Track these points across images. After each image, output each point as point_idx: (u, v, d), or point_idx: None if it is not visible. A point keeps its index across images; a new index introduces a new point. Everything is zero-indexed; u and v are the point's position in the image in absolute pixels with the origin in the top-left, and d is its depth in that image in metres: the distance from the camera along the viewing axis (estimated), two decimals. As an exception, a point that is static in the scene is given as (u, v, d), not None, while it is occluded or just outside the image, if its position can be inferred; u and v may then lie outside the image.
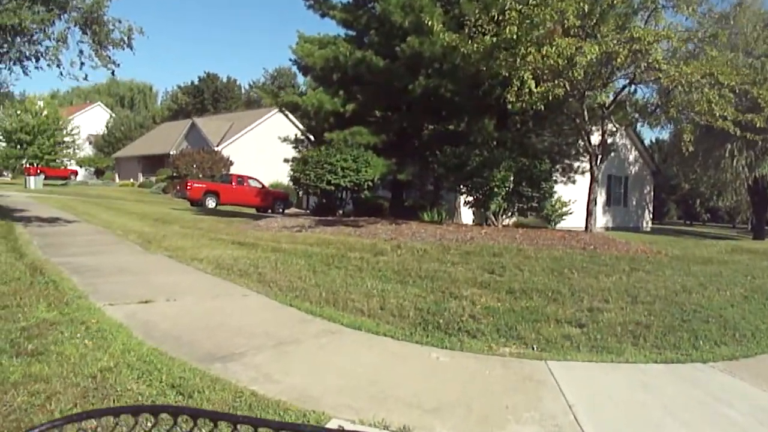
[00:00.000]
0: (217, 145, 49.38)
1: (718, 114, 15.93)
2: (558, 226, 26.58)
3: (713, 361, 7.04)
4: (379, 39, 22.46)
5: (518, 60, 15.08)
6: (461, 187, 19.56)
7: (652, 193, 43.84)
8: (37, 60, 16.04)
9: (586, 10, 15.40)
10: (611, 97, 18.42)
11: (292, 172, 23.89)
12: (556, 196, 23.38)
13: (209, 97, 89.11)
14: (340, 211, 23.56)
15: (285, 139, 28.12)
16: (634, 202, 41.39)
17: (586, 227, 18.31)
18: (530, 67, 15.05)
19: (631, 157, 40.80)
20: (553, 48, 14.58)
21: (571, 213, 27.21)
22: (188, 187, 35.53)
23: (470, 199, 19.60)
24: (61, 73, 15.76)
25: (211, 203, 35.01)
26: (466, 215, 24.69)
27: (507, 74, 15.73)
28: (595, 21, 16.07)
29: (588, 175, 20.43)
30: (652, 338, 7.68)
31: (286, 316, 8.23)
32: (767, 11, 33.77)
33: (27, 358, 5.63)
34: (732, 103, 16.88)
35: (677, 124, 22.41)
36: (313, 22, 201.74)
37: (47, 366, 5.46)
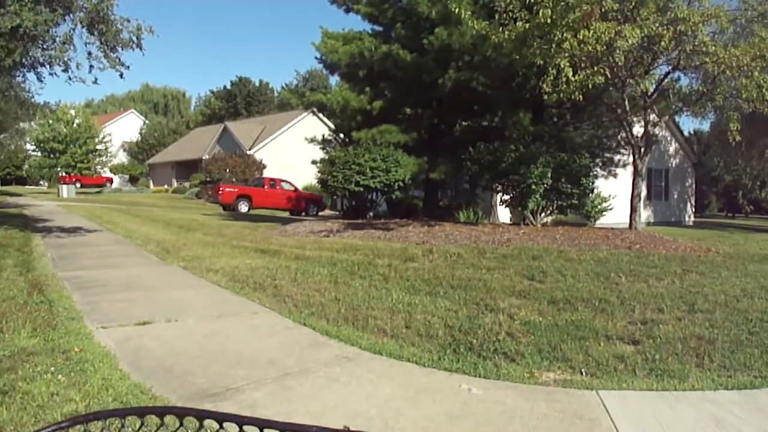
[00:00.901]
0: (250, 149, 48.94)
1: (769, 100, 14.85)
2: (598, 222, 25.75)
3: (794, 384, 6.01)
4: (406, 32, 21.63)
5: (553, 47, 14.16)
6: (497, 185, 18.63)
7: (694, 186, 42.41)
8: (51, 66, 15.43)
9: (625, -10, 14.46)
10: (654, 86, 17.36)
11: (319, 174, 23.15)
12: (595, 192, 22.35)
13: (242, 101, 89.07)
14: (371, 213, 22.69)
15: (312, 140, 27.38)
16: (676, 196, 40.12)
17: (631, 224, 17.35)
18: (566, 54, 14.15)
19: (671, 149, 39.55)
20: (591, 32, 13.65)
21: (611, 209, 26.39)
22: (220, 192, 35.41)
23: (506, 197, 18.65)
24: (70, 77, 15.15)
25: (243, 207, 34.69)
26: (503, 214, 23.77)
27: (542, 63, 14.84)
28: (634, 4, 15.02)
29: (629, 169, 19.51)
30: (719, 356, 6.64)
31: (296, 339, 7.30)
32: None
33: (-15, 400, 4.84)
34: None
35: (722, 113, 21.32)
36: (338, 19, 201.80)
37: (6, 410, 4.68)
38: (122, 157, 74.13)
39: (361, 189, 20.62)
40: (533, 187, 16.97)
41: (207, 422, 1.46)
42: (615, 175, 24.88)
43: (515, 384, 5.90)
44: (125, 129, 78.30)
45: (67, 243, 16.41)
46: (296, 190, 37.75)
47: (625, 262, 11.91)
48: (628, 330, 7.53)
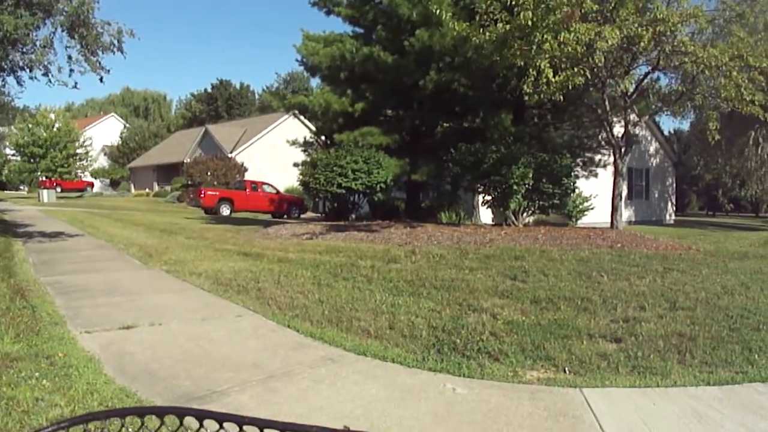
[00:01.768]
0: (231, 152, 48.76)
1: (747, 99, 14.96)
2: (579, 222, 25.86)
3: (775, 379, 6.07)
4: (387, 34, 21.63)
5: (534, 48, 14.16)
6: (478, 185, 18.61)
7: (674, 185, 42.71)
8: (31, 70, 15.28)
9: (605, -9, 14.54)
10: (633, 86, 17.46)
11: (301, 177, 23.08)
12: (577, 192, 22.42)
13: (223, 104, 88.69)
14: (353, 215, 22.65)
15: (294, 143, 27.23)
16: (656, 195, 40.38)
17: (612, 224, 17.41)
18: (547, 56, 14.17)
19: (652, 149, 39.82)
20: (572, 34, 13.67)
21: (592, 208, 26.51)
22: (202, 195, 35.14)
23: (488, 198, 18.64)
24: (50, 81, 14.99)
25: (225, 211, 34.50)
26: (485, 215, 23.79)
27: (522, 64, 14.86)
28: (613, 5, 15.10)
29: (610, 169, 19.59)
30: (700, 353, 6.70)
31: (281, 341, 7.29)
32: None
33: (-31, 407, 4.79)
34: (762, 87, 15.93)
35: (701, 113, 21.45)
36: (319, 21, 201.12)
37: (-10, 415, 4.62)
38: (103, 161, 73.48)
39: (343, 191, 20.56)
40: (515, 187, 17.00)
41: (207, 422, 1.47)
42: (596, 175, 24.96)
43: (499, 383, 5.93)
44: (106, 133, 77.71)
45: (49, 248, 16.23)
46: (278, 192, 37.56)
47: (607, 261, 11.95)
48: (610, 328, 7.58)
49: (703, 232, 26.61)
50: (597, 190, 26.08)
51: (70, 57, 14.91)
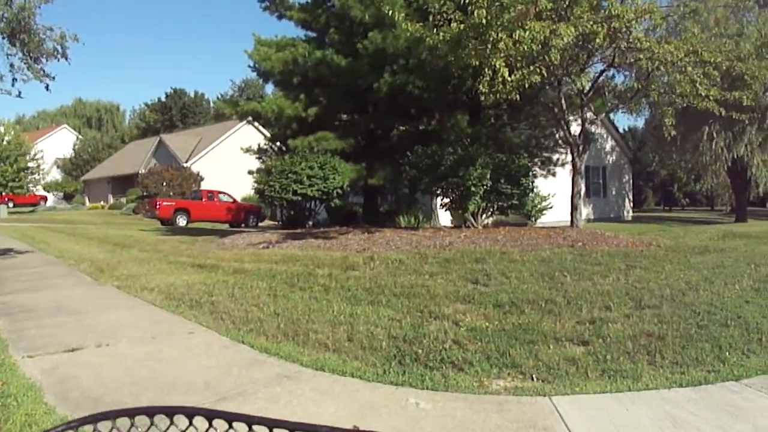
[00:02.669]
0: (186, 161, 48.03)
1: (703, 94, 14.99)
2: (538, 221, 25.82)
3: (747, 377, 5.92)
4: (340, 37, 21.35)
5: (489, 47, 13.95)
6: (436, 188, 18.35)
7: (631, 182, 43.14)
8: (-30, 79, 14.72)
9: (559, -11, 14.42)
10: (590, 84, 17.41)
11: (256, 184, 22.64)
12: (535, 191, 22.33)
13: (177, 113, 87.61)
14: (310, 222, 22.29)
15: (248, 150, 26.70)
16: (614, 192, 40.76)
17: (572, 222, 17.31)
18: (502, 55, 13.95)
19: (608, 147, 40.20)
20: (527, 32, 13.47)
21: (551, 207, 26.49)
22: (157, 206, 34.46)
23: (446, 200, 18.38)
24: (-8, 90, 14.46)
25: (181, 221, 33.92)
26: (444, 218, 23.58)
27: (478, 64, 14.61)
28: (568, 2, 14.98)
29: (567, 167, 19.52)
30: (670, 353, 6.53)
31: (235, 359, 6.93)
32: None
33: None
34: (717, 82, 15.98)
35: (657, 109, 21.51)
36: (272, 26, 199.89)
37: None
38: (56, 174, 72.10)
39: (299, 198, 20.20)
40: (473, 189, 16.80)
41: (216, 422, 1.48)
42: (554, 174, 24.92)
43: (465, 395, 5.66)
44: (58, 145, 76.21)
45: (-5, 266, 15.66)
46: (235, 201, 37.10)
47: (569, 260, 11.79)
48: (576, 330, 7.38)
49: (662, 228, 26.79)
50: (555, 189, 26.05)
51: (12, 65, 14.40)
